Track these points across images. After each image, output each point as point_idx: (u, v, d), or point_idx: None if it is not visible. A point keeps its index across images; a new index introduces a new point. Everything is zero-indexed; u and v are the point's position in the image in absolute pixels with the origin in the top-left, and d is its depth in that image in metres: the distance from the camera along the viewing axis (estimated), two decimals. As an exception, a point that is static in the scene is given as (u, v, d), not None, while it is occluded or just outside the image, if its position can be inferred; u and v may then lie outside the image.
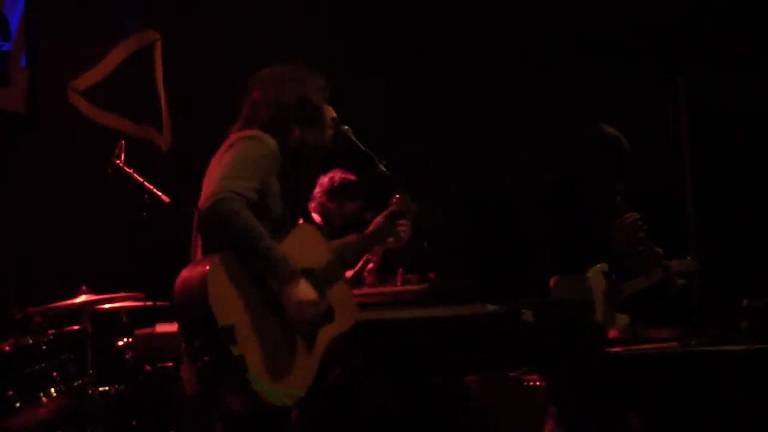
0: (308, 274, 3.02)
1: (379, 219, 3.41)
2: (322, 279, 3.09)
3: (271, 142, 3.05)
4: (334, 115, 3.28)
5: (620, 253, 3.91)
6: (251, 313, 2.86)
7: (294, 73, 3.21)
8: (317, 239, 3.20)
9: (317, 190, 5.01)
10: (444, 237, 3.77)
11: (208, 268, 2.81)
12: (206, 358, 2.81)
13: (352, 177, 4.96)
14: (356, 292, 3.82)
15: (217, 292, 2.79)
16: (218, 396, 2.89)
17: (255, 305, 2.88)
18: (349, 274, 4.73)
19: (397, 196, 3.38)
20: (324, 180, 5.01)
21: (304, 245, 3.09)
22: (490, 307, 3.27)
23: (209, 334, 2.79)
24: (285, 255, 2.92)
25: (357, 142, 3.35)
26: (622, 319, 4.05)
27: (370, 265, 5.32)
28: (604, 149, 4.02)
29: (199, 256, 3.05)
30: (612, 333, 4.24)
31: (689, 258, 4.24)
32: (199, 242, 3.06)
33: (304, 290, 2.93)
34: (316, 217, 4.87)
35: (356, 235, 3.43)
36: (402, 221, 3.39)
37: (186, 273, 2.89)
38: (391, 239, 3.40)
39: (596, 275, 3.93)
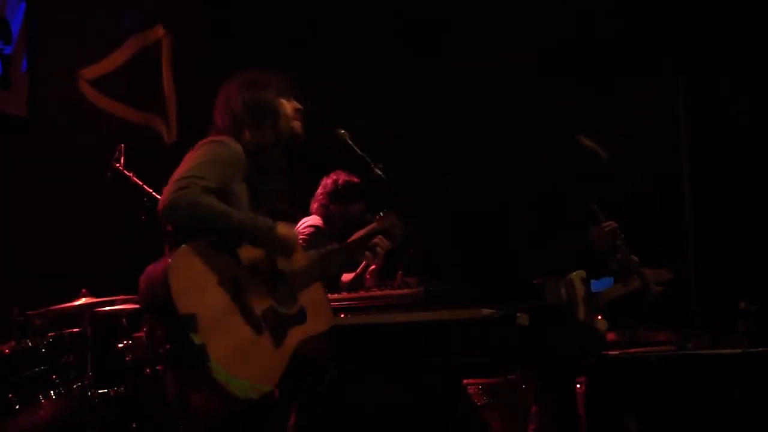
0: (278, 276, 3.08)
1: (361, 233, 3.45)
2: (294, 282, 3.14)
3: (234, 146, 3.13)
4: (299, 106, 3.32)
5: (598, 260, 3.96)
6: (215, 305, 2.90)
7: (244, 81, 3.29)
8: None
9: (320, 191, 5.00)
10: (410, 243, 3.81)
11: (170, 260, 2.86)
12: (167, 346, 2.85)
13: (356, 179, 4.96)
14: (352, 295, 3.83)
15: (179, 282, 2.84)
16: (187, 395, 2.91)
17: (219, 298, 2.92)
18: (349, 276, 4.74)
19: (382, 214, 3.43)
20: (327, 182, 5.00)
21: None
22: (485, 311, 3.29)
23: (171, 323, 2.82)
24: (255, 218, 3.02)
25: (353, 145, 3.38)
26: (603, 324, 4.07)
27: (372, 267, 5.33)
28: (581, 161, 4.09)
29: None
30: (609, 336, 4.26)
31: (664, 269, 4.26)
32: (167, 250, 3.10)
33: (287, 232, 3.09)
34: (317, 218, 4.87)
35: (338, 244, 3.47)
36: (379, 239, 3.43)
37: (150, 267, 2.96)
38: (367, 253, 3.45)
39: (576, 280, 3.96)
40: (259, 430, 3.05)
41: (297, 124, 3.30)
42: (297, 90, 3.35)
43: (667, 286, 4.15)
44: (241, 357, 2.90)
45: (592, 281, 4.01)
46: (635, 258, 4.00)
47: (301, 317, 3.11)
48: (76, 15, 5.91)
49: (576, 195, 4.07)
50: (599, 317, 4.05)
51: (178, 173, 3.01)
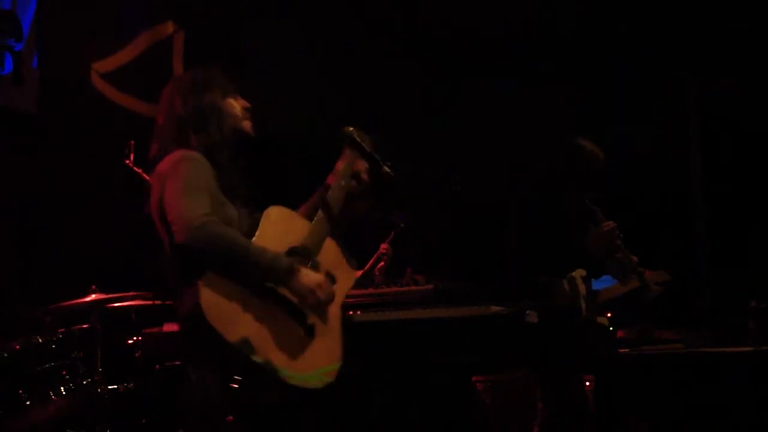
0: (295, 252, 3.06)
1: (339, 165, 3.36)
2: (309, 250, 3.11)
3: (196, 155, 3.09)
4: (247, 104, 3.28)
5: (597, 260, 3.97)
6: (257, 320, 2.89)
7: (186, 84, 3.25)
8: (288, 216, 3.20)
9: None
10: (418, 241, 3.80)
11: (196, 298, 2.82)
12: (238, 380, 2.84)
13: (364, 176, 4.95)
14: (361, 292, 3.83)
15: (215, 314, 2.81)
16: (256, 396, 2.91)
17: (257, 311, 2.90)
18: (358, 273, 4.74)
19: (349, 130, 3.36)
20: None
21: (279, 227, 3.10)
22: (494, 309, 3.28)
23: (228, 356, 2.81)
24: (276, 255, 2.95)
25: (361, 143, 3.36)
26: (603, 321, 4.07)
27: (381, 264, 5.34)
28: (580, 161, 4.09)
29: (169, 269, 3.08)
30: (618, 333, 4.26)
31: (662, 271, 4.26)
32: (172, 271, 3.07)
33: (310, 277, 2.99)
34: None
35: (318, 192, 3.37)
36: (359, 164, 3.37)
37: (183, 313, 2.94)
38: (353, 183, 3.38)
39: (577, 279, 3.96)
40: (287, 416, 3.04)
41: (247, 124, 3.25)
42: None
43: (665, 286, 4.15)
44: (303, 351, 2.92)
45: (592, 281, 4.01)
46: (634, 258, 4.01)
47: (323, 291, 3.08)
48: (86, 11, 5.92)
49: (574, 195, 4.08)
50: (604, 316, 4.05)
51: (178, 203, 2.94)
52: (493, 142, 6.20)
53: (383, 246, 5.47)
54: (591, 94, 6.07)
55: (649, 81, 6.07)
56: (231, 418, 2.96)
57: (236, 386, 2.84)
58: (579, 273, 3.90)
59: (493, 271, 4.58)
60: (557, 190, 4.12)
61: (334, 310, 3.10)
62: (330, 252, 3.20)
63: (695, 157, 6.26)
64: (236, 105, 3.25)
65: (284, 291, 2.97)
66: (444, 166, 6.23)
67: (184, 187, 2.98)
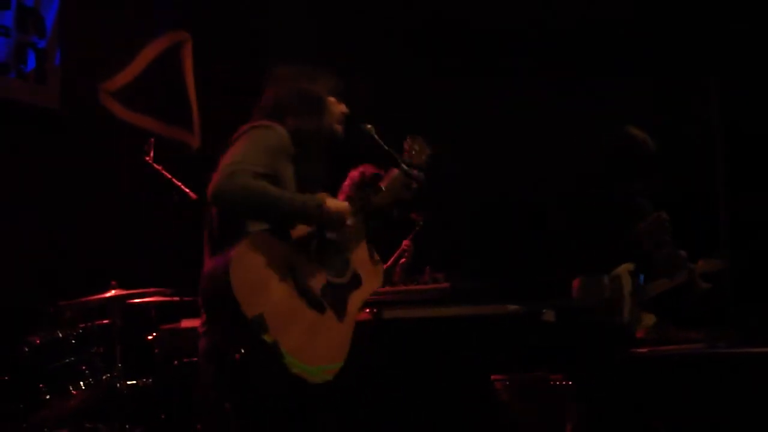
0: (329, 246, 3.08)
1: (393, 173, 3.39)
2: (344, 247, 3.14)
3: (280, 129, 3.11)
4: (346, 111, 3.31)
5: (645, 254, 3.89)
6: (279, 299, 2.88)
7: (295, 72, 3.29)
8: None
9: (347, 183, 5.02)
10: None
11: (226, 262, 2.83)
12: (242, 351, 2.84)
13: (384, 173, 4.95)
14: (381, 290, 3.83)
15: (241, 284, 2.81)
16: (254, 384, 2.89)
17: (282, 291, 2.91)
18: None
19: (410, 141, 3.38)
20: (354, 174, 5.02)
21: None
22: (511, 307, 3.27)
23: (239, 326, 2.81)
24: (305, 197, 2.99)
25: (380, 140, 3.36)
26: (649, 318, 4.02)
27: (402, 261, 5.32)
28: (630, 151, 4.01)
29: (205, 250, 3.08)
30: (639, 333, 4.21)
31: (715, 258, 4.20)
32: (206, 236, 3.09)
33: (336, 205, 3.04)
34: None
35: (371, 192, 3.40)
36: (415, 174, 3.37)
37: (207, 270, 2.93)
38: (405, 191, 3.38)
39: (623, 275, 3.91)
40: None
41: (339, 128, 3.29)
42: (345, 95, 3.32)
43: (719, 277, 4.08)
44: (312, 343, 2.91)
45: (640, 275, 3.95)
46: (683, 252, 3.95)
47: (356, 282, 3.11)
48: (109, 8, 5.95)
49: (624, 185, 4.00)
50: (650, 311, 4.00)
51: (227, 159, 2.98)
52: (534, 133, 6.18)
53: (405, 243, 5.46)
54: (612, 95, 6.03)
55: (672, 81, 6.03)
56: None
57: (238, 356, 2.82)
58: (626, 267, 3.85)
59: (513, 270, 4.56)
60: (607, 181, 4.04)
61: (353, 307, 3.10)
62: (362, 254, 3.22)
63: (718, 158, 6.21)
64: (335, 106, 3.29)
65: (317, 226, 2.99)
66: (471, 161, 6.22)
67: (244, 146, 3.02)
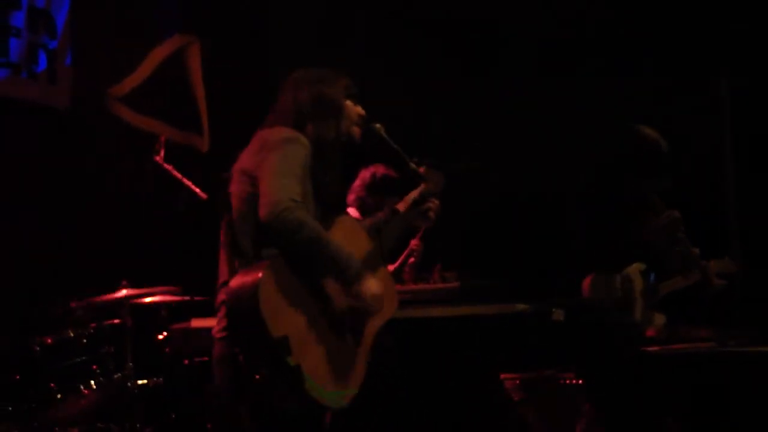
0: None
1: (412, 196, 3.39)
2: (366, 268, 3.11)
3: (305, 141, 3.11)
4: (363, 113, 3.31)
5: (658, 252, 3.88)
6: (302, 321, 2.89)
7: (314, 75, 3.28)
8: (357, 229, 3.24)
9: (357, 183, 5.01)
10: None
11: (255, 282, 2.83)
12: (263, 372, 2.85)
13: (394, 174, 4.95)
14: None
15: (268, 304, 2.82)
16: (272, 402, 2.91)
17: (304, 312, 2.91)
18: (390, 268, 4.74)
19: (425, 168, 3.38)
20: (365, 174, 5.01)
21: (347, 236, 3.12)
22: (520, 306, 3.27)
23: (264, 347, 2.81)
24: (350, 255, 2.98)
25: (389, 139, 3.37)
26: (660, 318, 4.01)
27: (411, 260, 5.32)
28: (641, 150, 4.01)
29: (222, 256, 3.09)
30: (649, 332, 4.21)
31: (728, 258, 4.19)
32: (222, 252, 3.09)
33: (375, 285, 3.02)
34: (353, 211, 4.89)
35: (386, 212, 3.41)
36: (432, 200, 3.39)
37: (234, 288, 2.91)
38: (421, 220, 3.40)
39: (634, 274, 3.90)
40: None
41: (357, 130, 3.29)
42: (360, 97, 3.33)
43: (730, 279, 4.07)
44: (331, 368, 2.92)
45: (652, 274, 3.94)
46: (695, 250, 3.93)
47: (377, 305, 3.09)
48: (119, 9, 5.96)
49: (634, 183, 3.99)
50: (662, 311, 3.98)
51: (273, 179, 2.95)
52: (545, 130, 6.18)
53: (413, 242, 5.46)
54: (623, 94, 6.03)
55: (682, 79, 6.02)
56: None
57: (258, 377, 2.83)
58: (637, 267, 3.84)
59: (523, 269, 4.56)
60: (619, 179, 4.03)
61: (371, 331, 3.10)
62: (382, 274, 3.21)
63: (728, 156, 6.20)
64: (353, 109, 3.29)
65: (343, 291, 2.98)
66: (482, 157, 6.21)
67: (283, 166, 2.99)
